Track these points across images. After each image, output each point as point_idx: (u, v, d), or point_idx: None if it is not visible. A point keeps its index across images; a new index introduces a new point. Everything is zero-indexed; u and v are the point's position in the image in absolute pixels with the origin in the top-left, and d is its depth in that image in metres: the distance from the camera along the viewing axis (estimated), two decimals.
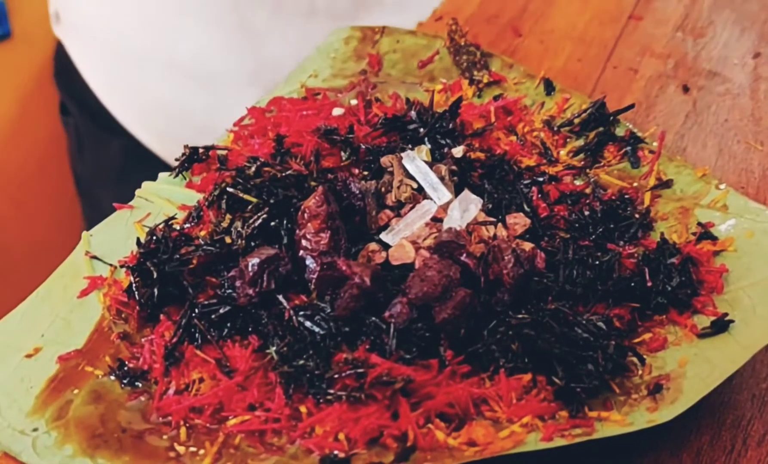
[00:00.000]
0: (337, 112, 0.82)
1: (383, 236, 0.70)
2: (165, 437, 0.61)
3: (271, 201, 0.70)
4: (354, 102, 0.84)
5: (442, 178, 0.73)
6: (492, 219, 0.71)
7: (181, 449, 0.60)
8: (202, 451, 0.59)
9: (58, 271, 0.73)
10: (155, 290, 0.67)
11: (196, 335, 0.65)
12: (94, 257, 0.73)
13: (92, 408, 0.63)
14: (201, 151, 0.78)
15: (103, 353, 0.66)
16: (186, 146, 0.79)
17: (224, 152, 0.78)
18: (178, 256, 0.69)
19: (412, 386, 0.60)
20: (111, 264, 0.72)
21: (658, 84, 0.97)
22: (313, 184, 0.73)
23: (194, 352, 0.64)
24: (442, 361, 0.62)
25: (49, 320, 0.69)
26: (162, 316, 0.67)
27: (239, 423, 0.60)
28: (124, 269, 0.70)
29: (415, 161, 0.73)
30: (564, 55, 1.01)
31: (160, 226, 0.72)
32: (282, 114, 0.82)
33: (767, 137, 0.91)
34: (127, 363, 0.65)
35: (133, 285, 0.68)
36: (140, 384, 0.64)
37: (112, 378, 0.64)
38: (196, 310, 0.66)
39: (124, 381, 0.64)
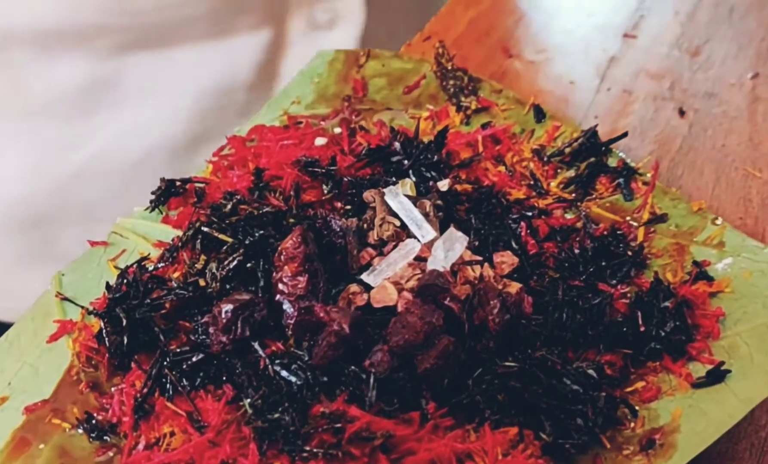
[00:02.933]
0: (319, 141, 0.79)
1: (365, 277, 0.67)
2: None
3: (247, 242, 0.68)
4: (338, 130, 0.81)
5: (426, 214, 0.70)
6: (478, 257, 0.68)
7: None
8: None
9: (29, 314, 0.70)
10: (125, 338, 0.64)
11: (167, 385, 0.62)
12: (65, 299, 0.70)
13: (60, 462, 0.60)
14: (178, 183, 0.75)
15: (71, 403, 0.63)
16: (162, 179, 0.76)
17: (202, 185, 0.75)
18: (149, 301, 0.66)
19: (392, 441, 0.57)
20: (82, 307, 0.69)
21: (653, 106, 0.94)
22: (291, 221, 0.70)
23: (165, 405, 0.61)
24: (424, 414, 0.59)
25: (17, 367, 0.66)
26: (133, 364, 0.64)
27: None
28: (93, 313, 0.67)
29: (398, 197, 0.70)
30: (555, 76, 0.98)
31: (132, 268, 0.69)
32: (263, 144, 0.79)
33: (766, 163, 0.88)
34: (95, 415, 0.62)
35: (103, 331, 0.65)
36: (109, 438, 0.61)
37: (80, 431, 0.61)
38: (168, 359, 0.63)
39: (92, 435, 0.61)
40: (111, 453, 0.60)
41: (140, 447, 0.60)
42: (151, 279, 0.68)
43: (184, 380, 0.62)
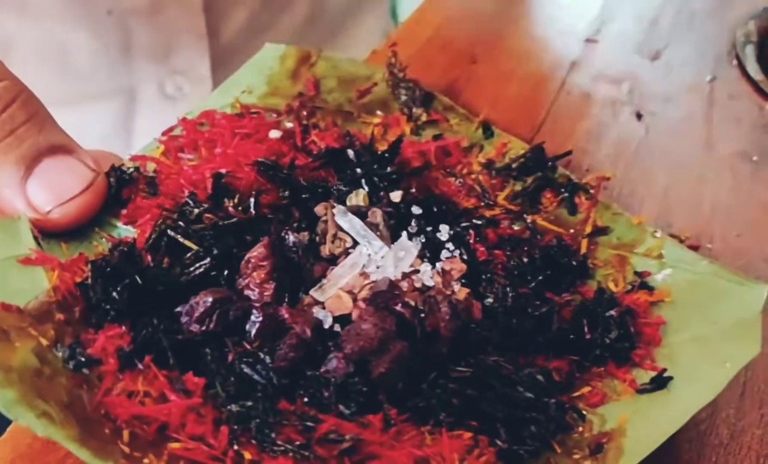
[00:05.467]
0: (274, 134, 0.79)
1: (312, 292, 0.69)
2: (107, 431, 0.56)
3: (214, 251, 0.68)
4: (290, 125, 0.81)
5: (377, 225, 0.72)
6: (427, 265, 0.70)
7: (124, 448, 0.56)
8: (146, 461, 0.56)
9: None
10: (123, 297, 0.63)
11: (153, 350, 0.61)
12: (36, 238, 0.65)
13: (38, 366, 0.58)
14: (127, 168, 0.73)
15: (48, 324, 0.60)
16: (112, 166, 0.73)
17: (153, 176, 0.74)
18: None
19: (356, 445, 0.58)
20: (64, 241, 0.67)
21: (611, 110, 0.97)
22: (249, 239, 0.71)
23: (149, 364, 0.60)
24: (387, 420, 0.61)
25: None
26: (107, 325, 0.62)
27: (182, 449, 0.56)
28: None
29: (347, 215, 0.72)
30: (518, 79, 1.00)
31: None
32: (216, 130, 0.78)
33: (719, 165, 0.90)
34: (80, 343, 0.60)
35: (89, 279, 0.63)
36: (87, 372, 0.59)
37: (59, 353, 0.59)
38: (161, 329, 0.63)
39: (71, 362, 0.59)
40: (85, 387, 0.58)
41: (114, 393, 0.58)
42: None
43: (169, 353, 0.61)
